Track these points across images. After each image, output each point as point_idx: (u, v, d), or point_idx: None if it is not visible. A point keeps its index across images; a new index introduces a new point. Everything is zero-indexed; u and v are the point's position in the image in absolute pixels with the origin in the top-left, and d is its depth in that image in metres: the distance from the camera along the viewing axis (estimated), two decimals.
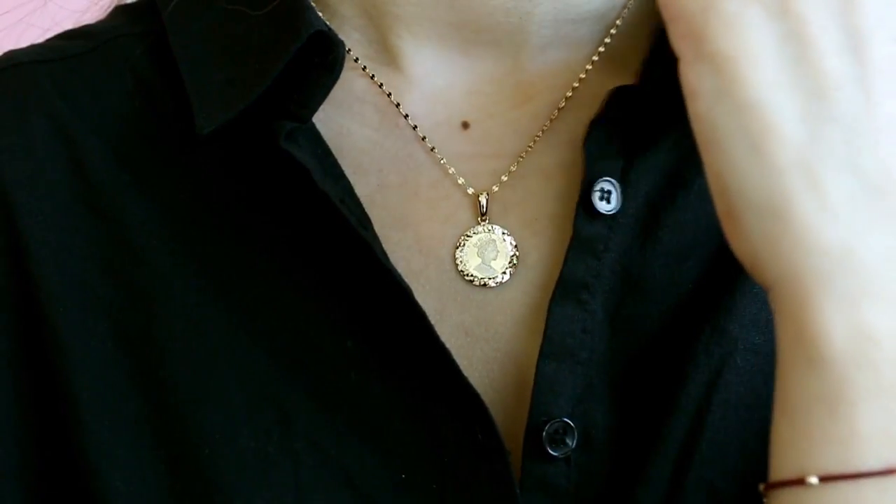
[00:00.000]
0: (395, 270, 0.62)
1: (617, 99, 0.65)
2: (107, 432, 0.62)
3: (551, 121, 0.69)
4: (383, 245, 0.65)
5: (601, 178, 0.64)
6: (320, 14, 0.67)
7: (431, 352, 0.61)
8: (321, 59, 0.64)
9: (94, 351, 0.63)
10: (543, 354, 0.62)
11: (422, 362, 0.62)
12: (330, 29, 0.64)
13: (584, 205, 0.64)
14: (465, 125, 0.69)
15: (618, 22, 0.71)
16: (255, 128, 0.64)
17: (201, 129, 0.63)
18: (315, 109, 0.63)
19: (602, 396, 0.63)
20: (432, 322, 0.64)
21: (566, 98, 0.69)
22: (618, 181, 0.65)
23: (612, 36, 0.70)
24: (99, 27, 0.73)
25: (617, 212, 0.64)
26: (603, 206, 0.64)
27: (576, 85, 0.69)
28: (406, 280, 0.64)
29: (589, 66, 0.70)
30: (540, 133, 0.68)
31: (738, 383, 0.63)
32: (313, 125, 0.67)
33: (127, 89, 0.68)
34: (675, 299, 0.65)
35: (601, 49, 0.70)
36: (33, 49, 0.71)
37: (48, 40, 0.73)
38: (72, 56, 0.70)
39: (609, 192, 0.64)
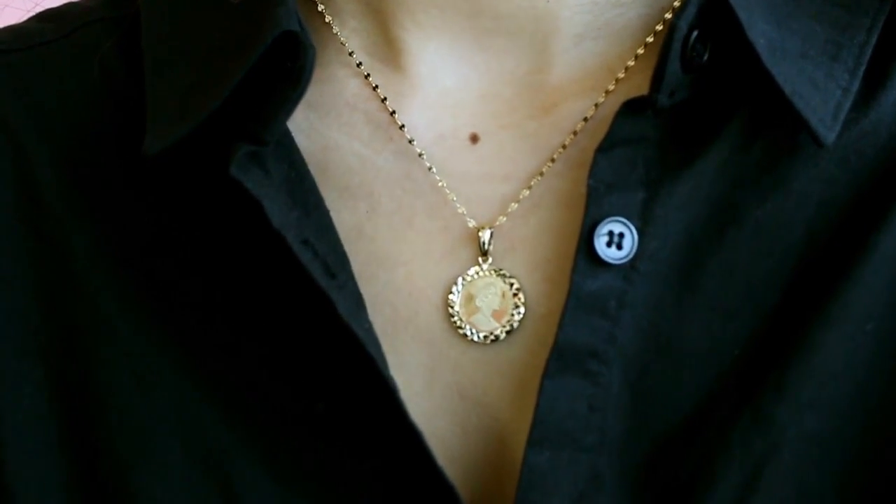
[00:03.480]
0: (361, 333, 0.51)
1: (631, 113, 0.52)
2: (34, 500, 0.54)
3: (575, 134, 0.55)
4: (369, 286, 0.55)
5: (608, 217, 0.51)
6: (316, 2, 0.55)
7: (405, 435, 0.51)
8: (293, 65, 0.53)
9: (26, 402, 0.55)
10: (533, 441, 0.50)
11: (395, 443, 0.52)
12: (303, 29, 0.53)
13: (587, 253, 0.51)
14: (474, 138, 0.56)
15: (675, 3, 0.56)
16: (211, 149, 0.54)
17: (148, 149, 0.54)
18: (278, 130, 0.52)
19: (614, 491, 0.51)
20: (423, 380, 0.54)
21: (595, 105, 0.55)
22: (637, 219, 0.52)
23: (664, 22, 0.56)
24: (78, 8, 0.64)
25: (630, 259, 0.51)
26: (612, 254, 0.51)
27: (611, 87, 0.56)
28: (391, 328, 0.54)
29: (631, 62, 0.56)
30: (561, 149, 0.55)
31: (785, 484, 0.50)
32: (291, 139, 0.56)
33: (92, 87, 0.59)
34: (716, 369, 0.52)
35: (649, 39, 0.56)
36: (4, 32, 0.63)
37: (25, 21, 0.65)
38: (40, 44, 0.61)
39: (621, 236, 0.51)
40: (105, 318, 0.55)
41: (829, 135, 0.51)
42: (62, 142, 0.58)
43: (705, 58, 0.52)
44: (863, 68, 0.53)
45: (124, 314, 0.55)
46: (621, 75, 0.56)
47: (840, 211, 0.53)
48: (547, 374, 0.51)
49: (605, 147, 0.52)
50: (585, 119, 0.55)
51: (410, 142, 0.56)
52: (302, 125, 0.57)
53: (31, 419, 0.55)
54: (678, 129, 0.53)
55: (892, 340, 0.51)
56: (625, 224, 0.51)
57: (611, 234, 0.51)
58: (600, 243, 0.51)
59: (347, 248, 0.55)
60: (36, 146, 0.58)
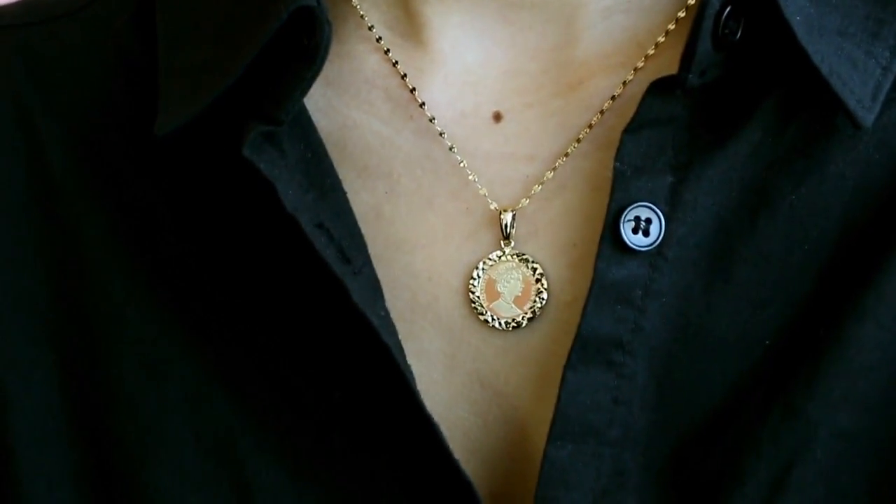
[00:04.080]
0: (376, 320, 0.49)
1: (660, 93, 0.50)
2: (42, 491, 0.53)
3: (602, 113, 0.53)
4: (387, 270, 0.53)
5: (636, 203, 0.49)
6: None
7: (421, 427, 0.49)
8: (309, 42, 0.50)
9: (36, 390, 0.54)
10: (554, 436, 0.49)
11: (411, 436, 0.50)
12: (319, 4, 0.50)
13: (612, 239, 0.49)
14: (497, 117, 0.54)
15: None
16: (225, 129, 0.52)
17: (159, 129, 0.52)
18: (293, 110, 0.50)
19: (638, 487, 0.49)
20: (442, 367, 0.52)
21: (624, 83, 0.53)
22: (664, 204, 0.49)
23: None
24: None
25: (657, 245, 0.49)
26: (638, 240, 0.49)
27: (640, 64, 0.53)
28: (410, 314, 0.53)
29: (661, 38, 0.53)
30: (587, 129, 0.53)
31: (816, 483, 0.48)
32: (308, 118, 0.54)
33: (107, 64, 0.57)
34: (746, 361, 0.50)
35: (681, 14, 0.53)
36: (19, 6, 0.61)
37: None
38: (53, 18, 0.59)
39: (648, 221, 0.49)
40: (116, 304, 0.54)
41: (867, 116, 0.49)
42: (75, 121, 0.56)
43: (738, 35, 0.49)
44: None
45: (135, 300, 0.54)
46: (651, 52, 0.53)
47: (878, 195, 0.50)
48: (569, 365, 0.49)
49: (633, 128, 0.50)
50: (613, 97, 0.53)
51: (431, 120, 0.54)
52: (320, 103, 0.55)
53: (41, 407, 0.53)
54: (709, 109, 0.50)
55: None
56: (652, 209, 0.49)
57: (637, 219, 0.49)
58: (626, 229, 0.49)
59: (365, 230, 0.53)
60: (48, 125, 0.56)
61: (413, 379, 0.50)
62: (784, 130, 0.51)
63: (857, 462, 0.48)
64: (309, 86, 0.50)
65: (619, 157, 0.50)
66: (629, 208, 0.49)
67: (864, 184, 0.50)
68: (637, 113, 0.50)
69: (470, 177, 0.54)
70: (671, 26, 0.53)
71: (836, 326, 0.49)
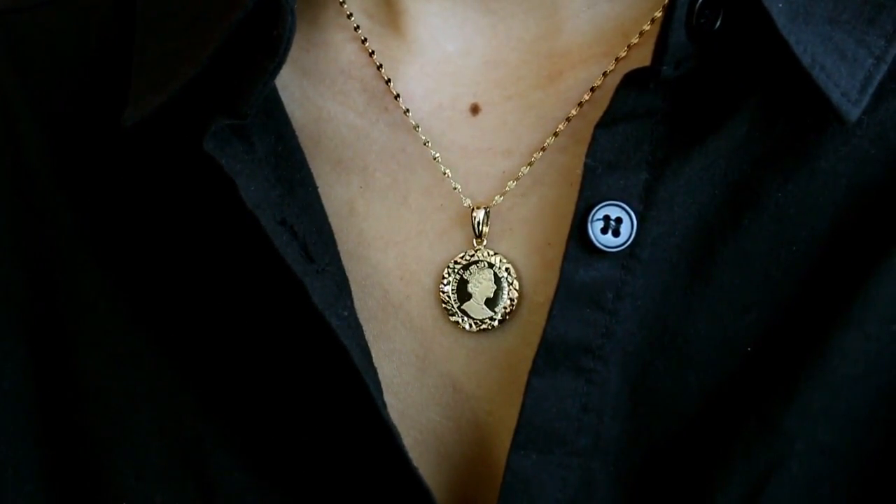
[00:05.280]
0: (335, 321, 0.48)
1: (635, 86, 0.47)
2: (10, 485, 0.52)
3: (581, 105, 0.51)
4: (359, 267, 0.52)
5: (606, 201, 0.47)
6: None
7: (380, 433, 0.48)
8: (279, 33, 0.49)
9: (6, 383, 0.53)
10: (517, 444, 0.47)
11: (371, 441, 0.48)
12: None
13: (580, 239, 0.47)
14: (475, 109, 0.52)
15: None
16: (192, 121, 0.51)
17: (126, 120, 0.50)
18: (256, 103, 0.49)
19: (606, 498, 0.47)
20: (414, 369, 0.51)
21: (605, 73, 0.51)
22: (638, 202, 0.47)
23: None
24: None
25: (629, 246, 0.47)
26: (607, 241, 0.47)
27: (622, 54, 0.51)
28: (381, 313, 0.51)
29: (647, 26, 0.51)
30: (566, 122, 0.51)
31: (791, 499, 0.45)
32: (282, 110, 0.52)
33: (88, 53, 0.56)
34: (725, 369, 0.47)
35: (667, 1, 0.51)
36: None
37: None
38: (39, 5, 0.58)
39: (619, 221, 0.47)
40: (86, 297, 0.53)
41: (852, 110, 0.46)
42: (54, 110, 0.55)
43: (717, 25, 0.47)
44: None
45: (105, 294, 0.53)
46: (635, 40, 0.51)
47: (873, 194, 0.47)
48: (534, 371, 0.47)
49: (607, 122, 0.47)
50: (593, 89, 0.51)
51: (406, 112, 0.52)
52: (296, 94, 0.54)
53: (10, 400, 0.53)
54: (691, 103, 0.48)
55: None
56: (623, 208, 0.47)
57: (606, 219, 0.47)
58: (594, 229, 0.47)
59: (338, 225, 0.51)
60: (28, 114, 0.55)
61: (375, 383, 0.48)
62: (773, 125, 0.48)
63: (837, 478, 0.45)
64: (271, 78, 0.49)
65: (590, 152, 0.47)
66: (598, 207, 0.47)
67: (859, 181, 0.47)
68: (610, 106, 0.47)
69: (444, 172, 0.52)
70: (658, 14, 0.51)
71: (818, 334, 0.46)
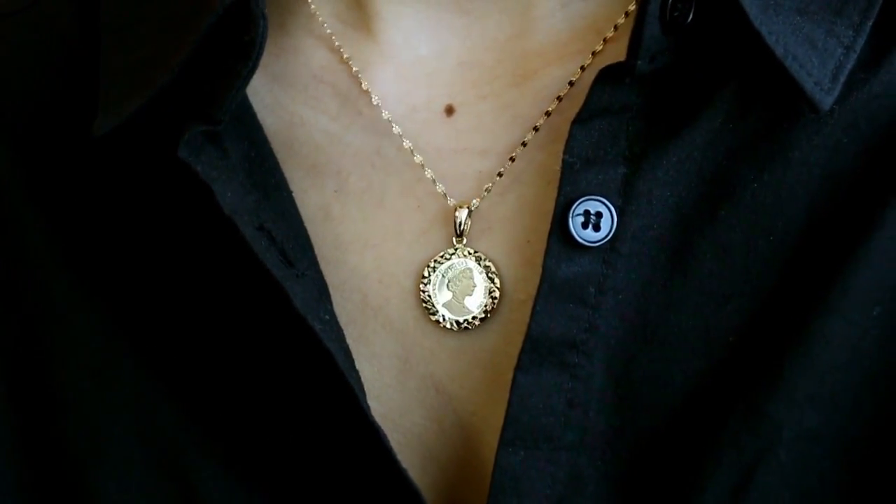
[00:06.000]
0: (318, 325, 0.47)
1: (610, 82, 0.47)
2: None
3: (559, 100, 0.51)
4: (336, 271, 0.51)
5: (586, 196, 0.47)
6: None
7: (367, 435, 0.47)
8: (251, 38, 0.48)
9: None
10: (505, 441, 0.46)
11: (358, 443, 0.48)
12: None
13: (561, 235, 0.47)
14: (450, 110, 0.52)
15: None
16: (165, 129, 0.50)
17: (97, 130, 0.50)
18: (230, 108, 0.48)
19: (595, 495, 0.47)
20: (396, 371, 0.51)
21: (582, 68, 0.51)
22: (617, 196, 0.47)
23: None
24: None
25: (609, 240, 0.47)
26: (588, 235, 0.47)
27: (599, 48, 0.51)
28: (361, 316, 0.51)
29: (622, 20, 0.51)
30: (544, 117, 0.51)
31: (781, 487, 0.46)
32: (253, 116, 0.52)
33: (52, 63, 0.55)
34: (708, 360, 0.47)
35: None
36: None
37: None
38: (3, 16, 0.57)
39: (599, 215, 0.47)
40: (59, 309, 0.52)
41: (825, 99, 0.46)
42: (19, 120, 0.54)
43: (690, 18, 0.47)
44: (870, 23, 0.47)
45: (79, 306, 0.52)
46: (611, 34, 0.51)
47: (847, 182, 0.48)
48: (520, 367, 0.47)
49: (583, 118, 0.48)
50: (571, 83, 0.51)
51: (381, 115, 0.52)
52: (266, 100, 0.54)
53: None
54: (666, 97, 0.48)
55: None
56: (602, 203, 0.47)
57: (587, 213, 0.47)
58: (575, 224, 0.47)
59: (313, 230, 0.51)
60: None
61: (359, 385, 0.48)
62: (746, 116, 0.48)
63: (824, 464, 0.46)
64: (244, 84, 0.48)
65: (567, 149, 0.47)
66: (578, 202, 0.47)
67: (833, 170, 0.48)
68: (586, 102, 0.47)
69: (422, 173, 0.51)
70: (631, 7, 0.51)
71: (801, 322, 0.46)
